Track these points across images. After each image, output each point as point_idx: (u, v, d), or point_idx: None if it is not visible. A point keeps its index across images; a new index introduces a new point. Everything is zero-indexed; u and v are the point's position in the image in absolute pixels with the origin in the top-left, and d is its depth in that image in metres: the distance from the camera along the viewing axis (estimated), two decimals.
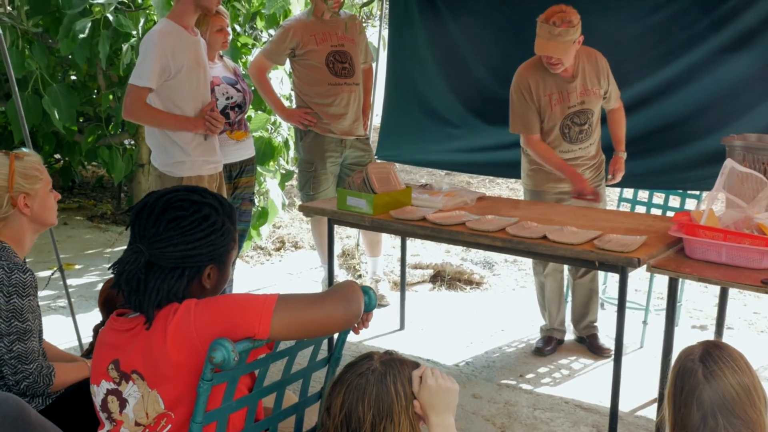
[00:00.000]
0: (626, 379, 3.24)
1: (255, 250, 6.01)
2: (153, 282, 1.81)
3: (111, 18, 4.99)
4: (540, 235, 3.23)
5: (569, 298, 4.30)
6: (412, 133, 5.40)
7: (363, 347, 4.12)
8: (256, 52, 5.35)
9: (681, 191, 4.53)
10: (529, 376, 3.92)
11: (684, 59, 4.38)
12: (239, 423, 1.91)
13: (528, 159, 4.08)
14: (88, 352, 2.72)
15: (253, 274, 5.58)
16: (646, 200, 4.52)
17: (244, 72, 4.95)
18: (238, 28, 5.83)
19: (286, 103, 5.18)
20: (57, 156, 7.50)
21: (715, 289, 4.35)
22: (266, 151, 5.52)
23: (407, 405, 1.78)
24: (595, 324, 4.19)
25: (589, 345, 4.18)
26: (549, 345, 4.16)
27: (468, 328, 4.55)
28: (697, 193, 4.42)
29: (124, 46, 5.08)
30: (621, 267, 3.02)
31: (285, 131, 5.69)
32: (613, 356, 3.27)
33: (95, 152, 6.30)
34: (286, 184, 6.10)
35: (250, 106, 5.05)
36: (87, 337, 3.57)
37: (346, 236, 6.22)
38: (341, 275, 5.43)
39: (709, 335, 4.20)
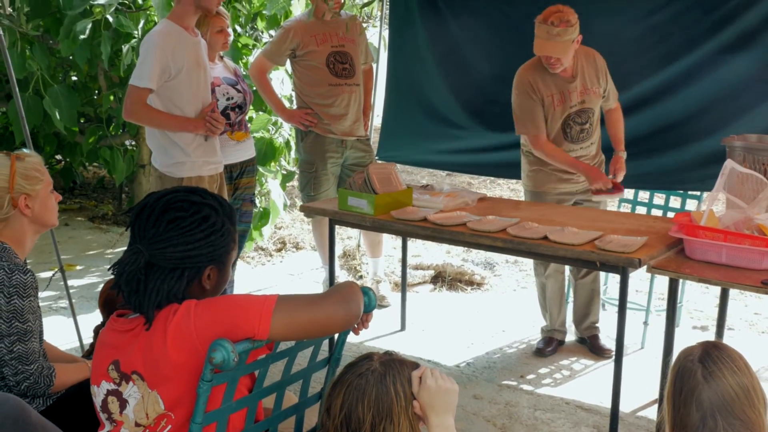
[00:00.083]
0: (627, 379, 3.24)
1: (256, 251, 6.01)
2: (153, 283, 1.81)
3: (111, 19, 4.99)
4: (541, 235, 3.23)
5: (570, 299, 4.30)
6: (413, 134, 5.40)
7: (364, 348, 4.12)
8: (256, 52, 5.36)
9: (681, 192, 4.53)
10: (530, 376, 3.92)
11: (684, 60, 4.37)
12: (239, 423, 1.91)
13: (528, 160, 4.07)
14: (88, 353, 2.73)
15: (254, 274, 5.58)
16: (646, 201, 4.51)
17: (244, 73, 4.95)
18: (239, 28, 5.83)
19: (287, 104, 5.18)
20: (58, 157, 7.50)
21: (716, 290, 4.35)
22: (267, 152, 5.52)
23: (407, 405, 1.78)
24: (596, 325, 4.19)
25: (590, 346, 4.18)
26: (550, 346, 4.16)
27: (469, 328, 4.55)
28: (698, 193, 4.42)
29: (125, 47, 5.09)
30: (622, 268, 3.02)
31: (286, 132, 5.69)
32: (613, 357, 3.27)
33: (96, 153, 6.30)
34: (288, 184, 6.10)
35: (251, 107, 5.05)
36: (88, 338, 3.57)
37: (347, 237, 6.22)
38: (342, 276, 5.43)
39: (710, 336, 4.20)
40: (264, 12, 5.85)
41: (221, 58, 4.32)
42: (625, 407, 3.40)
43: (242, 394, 1.90)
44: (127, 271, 1.80)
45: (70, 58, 5.43)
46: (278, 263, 5.91)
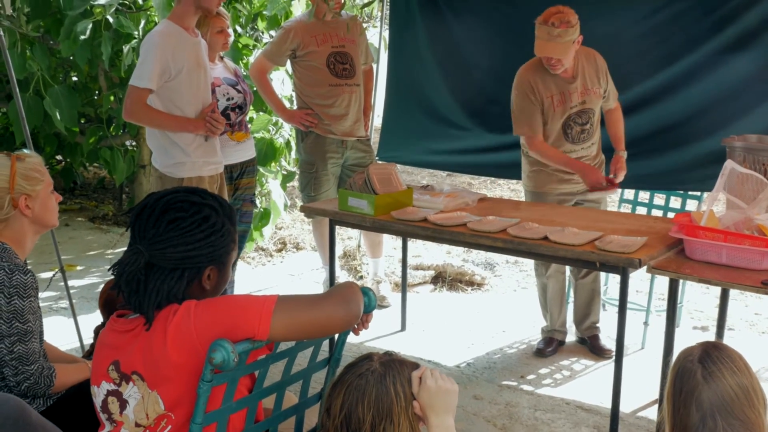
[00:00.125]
0: (627, 380, 3.24)
1: (256, 251, 6.01)
2: (153, 283, 1.81)
3: (112, 19, 4.99)
4: (541, 236, 3.23)
5: (571, 299, 4.30)
6: (413, 134, 5.39)
7: (364, 348, 4.12)
8: (257, 53, 5.36)
9: (682, 192, 4.53)
10: (530, 377, 3.92)
11: (684, 60, 4.37)
12: (239, 424, 1.91)
13: (529, 161, 4.08)
14: (89, 354, 2.73)
15: (255, 275, 5.58)
16: (647, 201, 4.51)
17: (245, 73, 4.96)
18: (239, 29, 5.84)
19: (287, 105, 5.18)
20: (58, 157, 7.51)
21: (717, 290, 4.35)
22: (268, 152, 5.53)
23: (407, 406, 1.78)
24: (597, 325, 4.19)
25: (591, 346, 4.18)
26: (550, 346, 4.16)
27: (469, 329, 4.55)
28: (698, 194, 4.42)
29: (126, 48, 5.09)
30: (622, 268, 3.02)
31: (287, 132, 5.69)
32: (614, 357, 3.27)
33: (97, 153, 6.30)
34: (288, 185, 6.10)
35: (252, 108, 5.05)
36: (88, 339, 3.57)
37: (347, 237, 6.22)
38: (342, 276, 5.43)
39: (711, 336, 4.20)
40: (264, 12, 5.85)
41: (221, 58, 4.33)
42: (625, 407, 3.40)
43: (242, 394, 1.90)
44: (127, 271, 1.81)
45: (71, 58, 5.44)
46: (278, 264, 5.91)
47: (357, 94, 4.65)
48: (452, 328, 4.56)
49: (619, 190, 4.68)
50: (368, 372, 1.79)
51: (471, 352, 4.22)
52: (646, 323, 4.20)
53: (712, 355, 1.76)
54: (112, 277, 1.87)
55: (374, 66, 5.08)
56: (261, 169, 5.28)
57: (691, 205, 4.39)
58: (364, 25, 5.45)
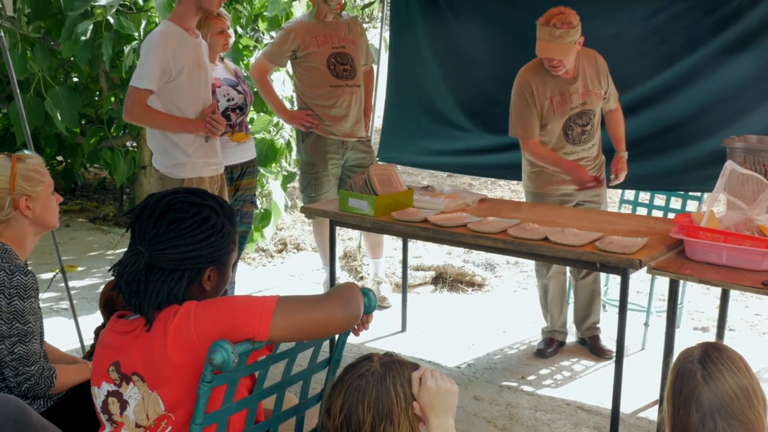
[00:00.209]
0: (627, 380, 3.24)
1: (257, 252, 6.01)
2: (153, 284, 1.81)
3: (112, 20, 5.00)
4: (541, 236, 3.23)
5: (571, 300, 4.30)
6: (414, 135, 5.39)
7: (364, 349, 4.12)
8: (257, 54, 5.36)
9: (682, 193, 4.53)
10: (531, 377, 3.92)
11: (685, 61, 4.38)
12: (239, 424, 1.91)
13: (529, 162, 4.08)
14: (89, 354, 2.73)
15: (255, 276, 5.58)
16: (647, 202, 4.51)
17: (245, 74, 4.96)
18: (240, 30, 5.84)
19: (288, 105, 5.18)
20: (59, 158, 7.51)
21: (717, 291, 4.35)
22: (269, 153, 5.53)
23: (407, 406, 1.78)
24: (597, 325, 4.19)
25: (591, 347, 4.18)
26: (550, 347, 4.16)
27: (469, 329, 4.55)
28: (699, 194, 4.42)
29: (126, 49, 5.09)
30: (622, 269, 3.02)
31: (287, 133, 5.70)
32: (614, 358, 3.27)
33: (97, 154, 6.30)
34: (288, 185, 6.10)
35: (252, 108, 5.05)
36: (89, 339, 3.58)
37: (348, 238, 6.22)
38: (343, 277, 5.43)
39: (711, 337, 4.20)
40: (265, 13, 5.85)
41: (222, 59, 4.33)
42: (625, 408, 3.41)
43: (242, 395, 1.90)
44: (127, 272, 1.81)
45: (71, 59, 5.44)
46: (279, 264, 5.91)
47: (357, 95, 4.66)
48: (453, 329, 4.56)
49: (620, 191, 4.69)
50: (368, 373, 1.79)
51: (471, 353, 4.22)
52: (646, 324, 4.20)
53: (712, 356, 1.76)
54: (113, 277, 1.87)
55: (375, 67, 5.08)
56: (261, 170, 5.28)
57: (692, 206, 4.39)
58: (365, 25, 5.46)
